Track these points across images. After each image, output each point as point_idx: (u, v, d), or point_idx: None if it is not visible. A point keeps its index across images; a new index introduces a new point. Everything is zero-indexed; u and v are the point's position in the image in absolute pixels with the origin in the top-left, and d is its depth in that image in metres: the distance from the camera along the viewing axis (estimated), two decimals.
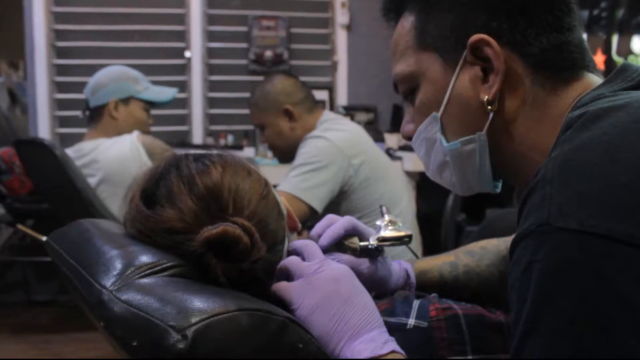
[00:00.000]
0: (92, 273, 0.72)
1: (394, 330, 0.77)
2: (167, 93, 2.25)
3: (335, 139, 1.82)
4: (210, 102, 3.49)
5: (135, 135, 2.04)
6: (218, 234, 0.71)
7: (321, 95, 3.54)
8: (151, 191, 0.80)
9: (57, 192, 2.10)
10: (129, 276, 0.68)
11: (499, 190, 0.81)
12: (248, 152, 3.26)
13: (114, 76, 2.14)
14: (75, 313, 3.34)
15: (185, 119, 3.45)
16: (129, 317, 0.62)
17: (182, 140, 3.32)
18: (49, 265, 2.93)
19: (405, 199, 1.97)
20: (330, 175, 1.78)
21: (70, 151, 2.07)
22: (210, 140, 3.37)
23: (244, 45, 3.48)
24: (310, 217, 1.78)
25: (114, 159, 2.01)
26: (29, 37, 3.33)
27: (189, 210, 0.75)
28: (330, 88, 3.57)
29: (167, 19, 3.45)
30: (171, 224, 0.75)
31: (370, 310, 0.74)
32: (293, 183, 1.75)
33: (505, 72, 0.71)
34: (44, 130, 3.34)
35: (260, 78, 3.47)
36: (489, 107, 0.72)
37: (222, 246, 0.72)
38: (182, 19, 3.45)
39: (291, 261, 0.77)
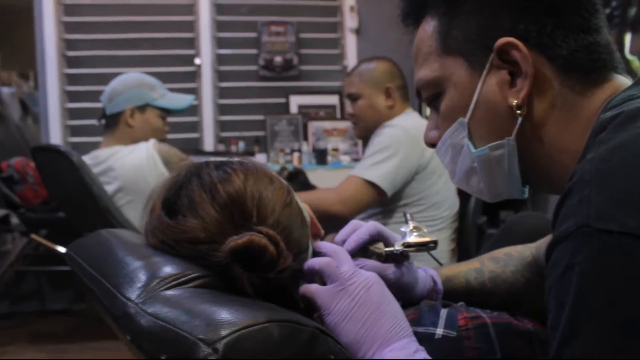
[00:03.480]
0: (116, 285, 0.71)
1: (422, 340, 0.76)
2: (184, 100, 2.24)
3: (411, 129, 1.91)
4: (221, 109, 3.49)
5: (151, 143, 2.04)
6: (244, 244, 0.70)
7: (331, 100, 3.54)
8: (172, 201, 0.79)
9: (74, 199, 2.10)
10: (154, 288, 0.68)
11: (526, 195, 0.79)
12: (260, 158, 3.25)
13: (130, 83, 2.13)
14: (90, 322, 3.35)
15: (196, 126, 3.45)
16: (156, 330, 0.61)
17: (194, 147, 3.31)
18: (63, 274, 2.94)
19: (454, 199, 2.04)
20: (404, 163, 1.88)
21: (86, 158, 2.07)
22: (221, 147, 3.36)
23: (253, 51, 3.48)
24: (381, 202, 1.91)
25: (130, 167, 2.00)
26: (40, 47, 3.34)
27: (212, 220, 0.74)
28: (340, 92, 3.56)
29: (176, 26, 3.45)
30: (194, 234, 0.74)
31: (400, 319, 0.73)
32: (367, 169, 1.87)
33: (533, 75, 0.70)
34: (55, 139, 3.35)
35: (270, 84, 3.48)
36: (518, 112, 0.70)
37: (247, 256, 0.71)
38: (191, 27, 3.46)
39: (327, 264, 0.76)
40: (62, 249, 3.09)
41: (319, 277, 0.78)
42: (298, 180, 2.11)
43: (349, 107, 2.11)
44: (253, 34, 3.48)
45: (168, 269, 0.71)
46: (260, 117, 3.44)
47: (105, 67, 3.38)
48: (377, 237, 0.88)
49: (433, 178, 1.95)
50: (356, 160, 3.30)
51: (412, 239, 0.89)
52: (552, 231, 0.61)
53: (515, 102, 0.70)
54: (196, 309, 0.62)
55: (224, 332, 0.58)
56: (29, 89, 6.17)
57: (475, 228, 2.17)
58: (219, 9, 3.48)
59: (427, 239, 0.90)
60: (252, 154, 3.17)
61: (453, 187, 2.05)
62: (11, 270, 3.20)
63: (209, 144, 3.41)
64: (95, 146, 2.18)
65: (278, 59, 3.46)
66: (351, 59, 3.54)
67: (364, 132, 2.08)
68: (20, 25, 5.85)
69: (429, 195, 1.95)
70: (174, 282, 0.68)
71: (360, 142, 3.41)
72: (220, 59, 3.48)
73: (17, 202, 2.89)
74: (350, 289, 0.73)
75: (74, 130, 3.42)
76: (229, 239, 0.71)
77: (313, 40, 3.55)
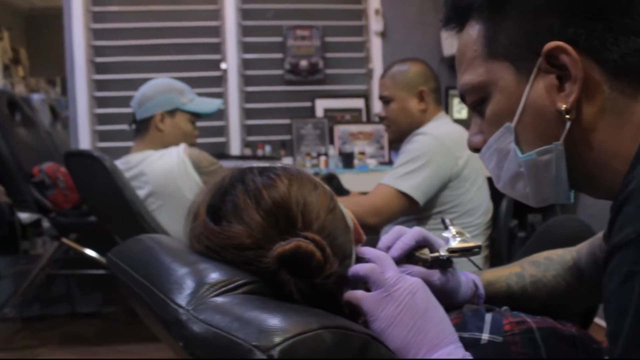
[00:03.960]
0: (165, 291, 0.72)
1: (467, 345, 0.76)
2: (212, 104, 2.26)
3: (443, 137, 1.90)
4: (247, 113, 3.50)
5: (182, 148, 2.06)
6: (291, 250, 0.70)
7: (357, 103, 3.54)
8: (217, 206, 0.79)
9: (106, 203, 2.12)
10: (204, 294, 0.68)
11: (572, 200, 0.79)
12: (286, 162, 3.26)
13: (159, 88, 2.15)
14: (119, 325, 3.38)
15: (222, 131, 3.47)
16: (209, 337, 0.62)
17: (220, 151, 3.33)
18: (92, 278, 2.98)
19: (487, 205, 2.03)
20: (436, 172, 1.86)
21: (118, 163, 2.09)
22: (247, 151, 3.37)
23: (279, 55, 3.49)
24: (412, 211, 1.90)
25: (161, 172, 2.02)
26: (69, 54, 3.39)
27: (257, 226, 0.75)
28: (366, 96, 3.56)
29: (202, 31, 3.48)
30: (240, 240, 0.75)
31: (446, 324, 0.73)
32: (400, 178, 1.86)
33: (582, 80, 0.69)
34: (84, 144, 3.40)
35: (296, 88, 3.49)
36: (567, 116, 0.70)
37: (294, 262, 0.71)
38: (217, 32, 3.48)
39: (373, 270, 0.76)
40: (92, 253, 3.13)
41: (362, 283, 0.78)
42: (332, 185, 2.11)
43: (381, 110, 2.09)
44: (278, 38, 3.50)
45: (216, 275, 0.71)
46: (286, 121, 3.45)
47: (132, 73, 3.42)
48: (422, 243, 0.88)
49: (466, 185, 1.94)
50: (382, 163, 3.29)
51: (457, 244, 0.89)
52: (606, 238, 0.61)
53: (564, 106, 0.70)
54: (248, 316, 0.63)
55: (277, 339, 0.58)
56: (56, 95, 6.28)
57: (507, 232, 2.15)
58: (244, 13, 3.50)
59: (471, 244, 0.90)
60: (278, 158, 3.18)
61: (486, 194, 2.04)
62: (42, 274, 3.25)
63: (235, 148, 3.42)
64: (122, 151, 2.20)
65: (304, 63, 3.47)
66: (376, 62, 3.53)
67: (397, 135, 2.07)
68: (47, 33, 5.97)
69: (462, 202, 1.94)
70: (223, 289, 0.69)
71: (386, 146, 3.40)
72: (246, 64, 3.50)
73: (48, 207, 2.93)
74: (395, 294, 0.73)
75: (102, 136, 3.46)
76: (276, 244, 0.72)
77: (338, 44, 3.55)
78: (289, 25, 3.49)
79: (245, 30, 3.50)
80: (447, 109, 3.41)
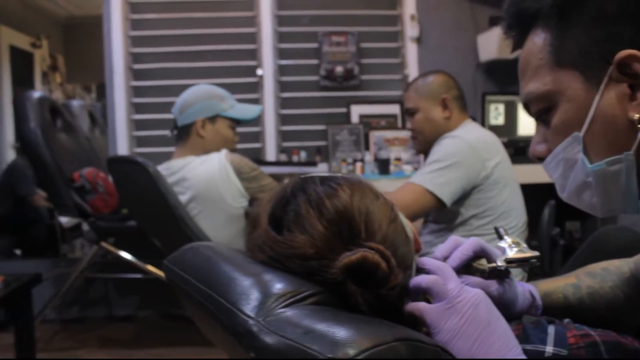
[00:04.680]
0: (232, 301, 0.72)
1: (531, 358, 0.75)
2: (253, 110, 2.28)
3: (471, 140, 1.91)
4: (283, 119, 3.52)
5: (223, 153, 2.07)
6: (357, 260, 0.70)
7: (392, 109, 3.53)
8: (279, 216, 0.79)
9: (148, 209, 2.15)
10: (272, 306, 0.68)
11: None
12: (322, 168, 3.27)
13: (201, 95, 2.17)
14: (155, 329, 3.42)
15: (258, 136, 3.49)
16: (282, 348, 0.62)
17: (256, 157, 3.35)
18: (129, 281, 3.01)
19: (521, 209, 2.02)
20: (464, 174, 1.87)
21: (159, 169, 2.12)
22: (283, 157, 3.39)
23: (314, 61, 3.51)
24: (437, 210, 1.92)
25: (203, 178, 2.04)
26: (108, 61, 3.45)
27: (320, 235, 0.75)
28: (401, 102, 3.54)
29: (238, 38, 3.51)
30: (303, 250, 0.75)
31: (510, 336, 0.72)
32: (427, 177, 1.87)
33: None
34: (122, 149, 3.45)
35: (331, 94, 3.50)
36: (639, 126, 0.69)
37: (360, 273, 0.71)
38: (253, 38, 3.51)
39: (435, 282, 0.75)
40: (129, 257, 3.17)
41: (422, 294, 0.78)
42: None
43: (408, 123, 2.12)
44: (314, 45, 3.51)
45: (283, 286, 0.71)
46: (321, 127, 3.45)
47: (169, 80, 3.47)
48: (479, 253, 0.87)
49: (498, 188, 1.93)
50: (418, 169, 3.27)
51: (514, 254, 0.88)
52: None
53: (636, 116, 0.69)
54: (320, 327, 0.63)
55: (352, 351, 0.58)
56: (91, 101, 6.39)
57: (548, 239, 2.13)
58: (280, 20, 3.52)
59: (529, 255, 0.88)
60: (314, 164, 3.19)
61: (520, 198, 2.03)
62: (81, 277, 3.30)
63: (271, 153, 3.44)
64: (159, 156, 2.22)
65: (339, 69, 3.47)
66: (412, 68, 3.52)
67: (424, 146, 2.08)
68: (83, 41, 6.09)
69: (495, 205, 1.93)
70: (291, 300, 0.69)
71: None
72: (281, 70, 3.52)
73: (88, 211, 2.98)
74: (458, 306, 0.73)
75: (140, 141, 3.51)
76: (342, 255, 0.72)
77: (374, 50, 3.55)
78: (325, 32, 3.50)
79: (281, 37, 3.52)
80: (483, 115, 3.38)
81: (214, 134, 2.16)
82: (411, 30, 3.51)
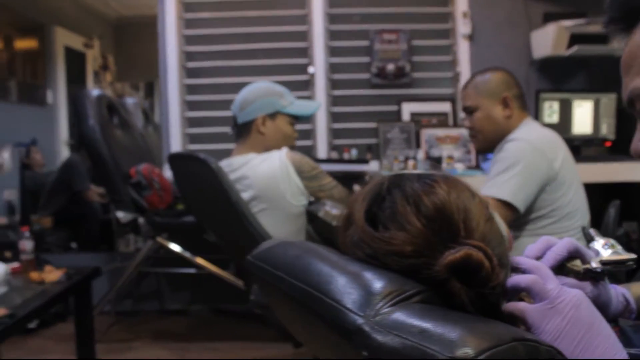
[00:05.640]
0: (336, 299, 0.72)
1: None
2: (312, 107, 2.28)
3: (537, 142, 1.89)
4: (334, 117, 3.53)
5: (284, 152, 2.08)
6: (462, 259, 0.70)
7: (443, 107, 3.51)
8: (374, 213, 0.79)
9: (209, 205, 2.18)
10: (380, 304, 0.68)
11: None
12: (373, 165, 3.26)
13: (260, 92, 2.18)
14: (208, 323, 3.47)
15: (309, 134, 3.51)
16: (398, 347, 0.62)
17: (307, 155, 3.37)
18: (181, 276, 3.08)
19: (585, 208, 2.00)
20: (532, 177, 1.85)
21: (221, 165, 2.14)
22: (334, 155, 3.40)
23: (365, 59, 3.50)
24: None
25: (264, 176, 2.05)
26: (163, 59, 3.51)
27: (418, 232, 0.74)
28: (453, 100, 3.52)
29: (290, 36, 3.53)
30: (401, 248, 0.74)
31: (614, 340, 0.71)
32: (498, 187, 1.85)
33: None
34: (176, 146, 3.50)
35: (382, 92, 3.49)
36: None
37: (464, 271, 0.70)
38: (304, 36, 3.53)
39: (534, 281, 0.74)
40: (185, 252, 3.23)
41: (517, 293, 0.77)
42: None
43: (466, 121, 2.08)
44: (365, 42, 3.51)
45: (386, 284, 0.71)
46: (372, 125, 3.45)
47: (221, 77, 3.51)
48: (574, 254, 0.86)
49: (563, 188, 1.90)
50: (470, 168, 3.25)
51: (609, 256, 0.87)
52: None
53: None
54: (433, 326, 0.62)
55: (471, 352, 0.57)
56: (139, 99, 6.52)
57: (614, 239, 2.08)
58: (331, 18, 3.53)
59: (625, 257, 0.87)
60: (365, 161, 3.18)
61: (583, 196, 2.00)
62: (135, 271, 3.37)
63: (322, 151, 3.46)
64: (212, 153, 2.22)
65: (390, 67, 3.46)
66: (464, 66, 3.49)
67: (484, 144, 2.05)
68: (132, 41, 6.21)
69: (560, 206, 1.90)
70: (398, 298, 0.68)
71: (473, 150, 3.35)
72: (333, 68, 3.52)
73: (144, 207, 3.04)
74: (559, 307, 0.71)
75: (193, 138, 3.56)
76: (445, 253, 0.71)
77: (425, 47, 3.53)
78: (376, 29, 3.50)
79: (332, 35, 3.53)
80: (537, 113, 3.33)
81: (274, 131, 2.17)
82: (463, 27, 3.48)
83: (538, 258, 0.86)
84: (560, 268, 0.86)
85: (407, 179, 0.80)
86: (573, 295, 0.73)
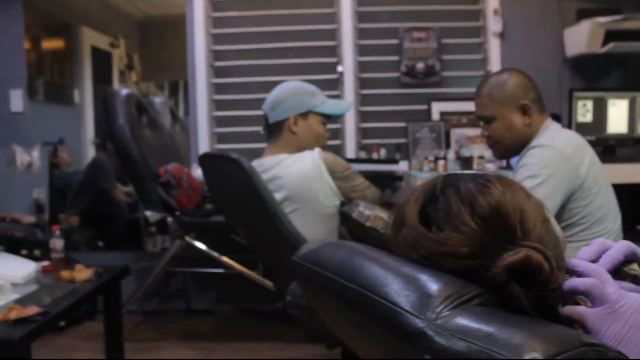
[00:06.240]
0: (394, 301, 0.70)
1: None
2: (343, 106, 2.26)
3: (563, 148, 1.80)
4: (362, 116, 3.50)
5: (316, 152, 2.06)
6: (522, 261, 0.68)
7: (474, 106, 3.44)
8: (428, 213, 0.77)
9: (241, 205, 2.16)
10: (441, 307, 0.66)
11: None
12: (402, 165, 3.23)
13: (292, 91, 2.16)
14: (234, 323, 3.46)
15: (338, 133, 3.48)
16: (463, 350, 0.60)
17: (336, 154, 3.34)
18: (207, 275, 3.06)
19: (616, 210, 1.92)
20: (560, 185, 1.77)
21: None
22: (362, 154, 3.37)
23: (395, 58, 3.47)
24: None
25: (296, 176, 2.03)
26: (191, 58, 3.51)
27: (474, 234, 0.72)
28: None
29: (319, 35, 3.51)
30: (456, 249, 0.73)
31: None
32: None
33: None
34: (204, 146, 3.50)
35: (411, 91, 3.45)
36: None
37: (524, 273, 0.68)
38: (333, 35, 3.50)
39: (594, 285, 0.72)
40: (212, 252, 3.22)
41: (575, 297, 0.74)
42: None
43: (483, 130, 1.98)
44: (394, 41, 3.47)
45: (444, 286, 0.69)
46: (401, 124, 3.42)
47: (249, 77, 3.50)
48: (630, 257, 0.83)
49: (592, 194, 1.83)
50: (501, 168, 3.19)
51: None
52: None
53: None
54: (498, 330, 0.61)
55: (540, 356, 0.56)
56: (164, 99, 6.55)
57: None
58: (360, 16, 3.50)
59: None
60: (395, 161, 3.15)
61: (614, 198, 1.92)
62: (162, 270, 3.37)
63: (350, 151, 3.43)
64: (239, 153, 2.20)
65: (420, 66, 3.42)
66: (494, 64, 3.43)
67: (504, 153, 1.97)
68: (156, 40, 6.24)
69: (591, 212, 1.83)
70: (458, 301, 0.67)
71: None
72: (361, 66, 3.49)
73: (173, 206, 3.03)
74: (621, 311, 0.69)
75: (220, 138, 3.55)
76: (504, 254, 0.69)
77: (455, 46, 3.48)
78: (405, 27, 3.46)
79: (361, 33, 3.50)
80: (570, 112, 3.26)
81: (306, 130, 2.15)
82: (494, 25, 3.43)
83: (593, 261, 0.83)
84: (617, 272, 0.82)
85: (461, 178, 0.79)
86: (634, 300, 0.70)
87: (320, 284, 0.88)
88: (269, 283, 2.89)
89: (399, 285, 0.72)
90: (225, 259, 3.24)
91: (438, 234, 0.75)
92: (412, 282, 0.71)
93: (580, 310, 0.72)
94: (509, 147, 1.93)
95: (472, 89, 3.43)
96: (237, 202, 2.20)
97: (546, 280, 0.69)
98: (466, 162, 3.11)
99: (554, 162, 1.78)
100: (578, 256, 0.85)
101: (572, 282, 0.74)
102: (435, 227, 0.76)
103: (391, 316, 0.69)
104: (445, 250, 0.73)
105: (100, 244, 4.11)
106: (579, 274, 0.76)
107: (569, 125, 3.25)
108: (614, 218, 1.90)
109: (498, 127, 1.91)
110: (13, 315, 1.72)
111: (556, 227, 0.80)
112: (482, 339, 0.60)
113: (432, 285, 0.69)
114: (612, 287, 0.72)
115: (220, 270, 3.40)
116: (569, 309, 0.73)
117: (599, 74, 3.44)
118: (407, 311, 0.67)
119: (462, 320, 0.63)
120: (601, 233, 1.85)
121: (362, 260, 0.83)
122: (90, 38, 5.35)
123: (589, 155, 1.86)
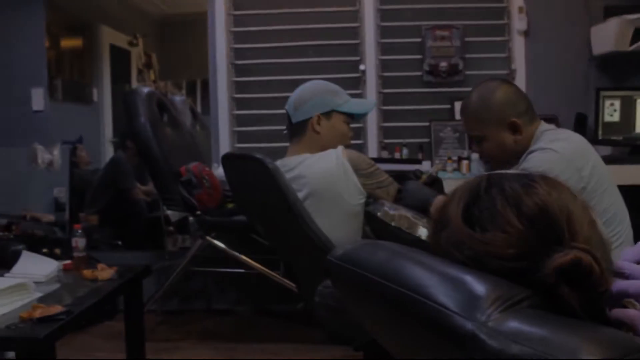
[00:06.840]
0: (441, 303, 0.68)
1: None
2: (367, 105, 2.23)
3: (563, 151, 1.74)
4: (385, 115, 3.46)
5: (340, 150, 2.03)
6: (572, 262, 0.66)
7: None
8: (472, 213, 0.75)
9: (265, 205, 2.13)
10: (490, 309, 0.64)
11: None
12: (425, 165, 3.18)
13: (315, 90, 2.14)
14: (254, 324, 3.44)
15: (360, 132, 3.45)
16: (517, 353, 0.58)
17: None
18: (228, 275, 3.03)
19: (624, 212, 1.85)
20: None
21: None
22: (384, 154, 3.33)
23: (418, 56, 3.43)
24: None
25: (320, 175, 2.00)
26: (212, 57, 3.50)
27: (520, 234, 0.70)
28: None
29: (341, 33, 3.48)
30: (502, 250, 0.71)
31: None
32: None
33: None
34: (224, 144, 3.49)
35: (434, 90, 3.41)
36: None
37: (573, 275, 0.66)
38: (355, 33, 3.47)
39: None
40: (234, 252, 3.20)
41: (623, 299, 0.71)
42: (435, 188, 2.02)
43: (475, 147, 1.93)
44: (417, 39, 3.43)
45: (493, 288, 0.67)
46: (424, 124, 3.38)
47: (270, 75, 3.48)
48: None
49: (596, 197, 1.76)
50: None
51: None
52: None
53: None
54: (553, 333, 0.59)
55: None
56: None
57: None
58: (383, 14, 3.47)
59: None
60: (418, 161, 3.10)
61: (620, 198, 1.86)
62: (183, 270, 3.36)
63: (372, 150, 3.40)
64: (260, 152, 2.17)
65: (443, 64, 3.38)
66: (519, 63, 3.38)
67: (501, 167, 1.90)
68: (174, 39, 6.25)
69: (597, 214, 1.76)
70: (508, 303, 0.64)
71: None
72: (384, 65, 3.46)
73: (194, 205, 3.02)
74: None
75: (241, 137, 3.54)
76: (554, 256, 0.67)
77: (479, 44, 3.44)
78: (428, 26, 3.42)
79: (383, 31, 3.46)
80: (597, 112, 3.20)
81: (329, 130, 2.12)
82: (519, 23, 3.38)
83: (638, 263, 0.80)
84: None
85: (505, 178, 0.77)
86: None
87: (359, 285, 0.86)
88: (290, 283, 2.86)
89: (445, 286, 0.70)
90: (246, 258, 3.22)
91: (483, 234, 0.73)
92: (459, 284, 0.69)
93: (631, 314, 0.69)
94: (503, 162, 1.84)
95: None
96: (261, 202, 2.17)
97: (596, 282, 0.67)
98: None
99: (554, 165, 1.70)
100: (622, 257, 0.83)
101: (621, 285, 0.71)
102: (480, 227, 0.74)
103: (438, 318, 0.67)
104: (491, 251, 0.71)
105: (119, 243, 4.12)
106: (626, 276, 0.73)
107: (595, 126, 3.19)
108: (621, 220, 1.83)
109: (489, 147, 1.85)
110: (38, 313, 1.71)
111: (602, 228, 0.78)
112: (536, 342, 0.58)
113: (480, 286, 0.67)
114: None
115: (241, 270, 3.39)
116: (619, 312, 0.71)
117: (627, 72, 3.37)
118: (454, 312, 0.65)
119: (514, 323, 0.61)
120: (610, 235, 1.79)
121: (405, 261, 0.81)
122: (110, 37, 5.37)
123: (592, 156, 1.80)
